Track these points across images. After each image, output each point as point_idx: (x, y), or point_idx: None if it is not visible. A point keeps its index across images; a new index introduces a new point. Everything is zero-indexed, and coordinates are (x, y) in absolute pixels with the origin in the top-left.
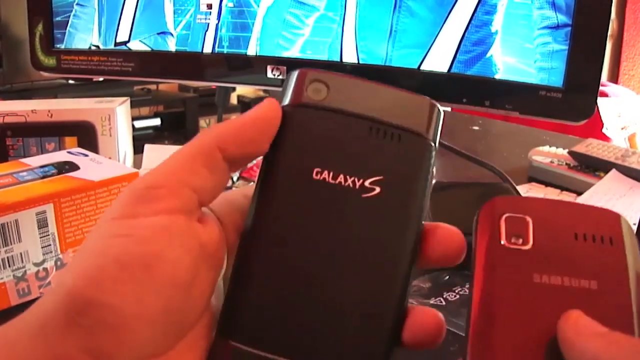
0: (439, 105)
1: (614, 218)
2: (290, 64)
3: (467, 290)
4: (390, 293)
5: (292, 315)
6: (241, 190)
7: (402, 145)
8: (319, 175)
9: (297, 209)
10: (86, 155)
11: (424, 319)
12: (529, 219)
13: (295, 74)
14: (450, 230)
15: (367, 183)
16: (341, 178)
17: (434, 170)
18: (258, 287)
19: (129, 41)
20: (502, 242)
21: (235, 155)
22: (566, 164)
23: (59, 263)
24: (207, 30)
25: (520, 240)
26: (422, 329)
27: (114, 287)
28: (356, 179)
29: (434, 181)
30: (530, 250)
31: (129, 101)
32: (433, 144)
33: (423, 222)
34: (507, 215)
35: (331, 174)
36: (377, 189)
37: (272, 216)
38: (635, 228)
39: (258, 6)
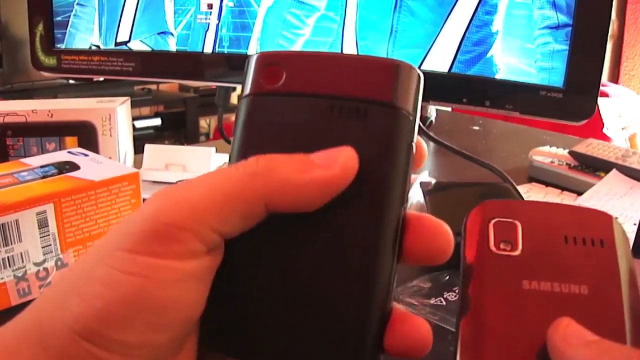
0: (416, 68)
1: (606, 219)
2: None
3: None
4: (371, 293)
5: (269, 322)
6: None
7: (369, 121)
8: None
9: None
10: (86, 155)
11: (408, 328)
12: (518, 224)
13: (249, 60)
14: (435, 223)
15: None
16: None
17: (414, 144)
18: (234, 295)
19: (129, 41)
20: (491, 249)
21: (282, 209)
22: (566, 164)
23: (59, 263)
24: (207, 30)
25: (509, 246)
26: (404, 339)
27: (120, 325)
28: None
29: (433, 181)
30: (519, 256)
31: (129, 101)
32: (408, 113)
33: (406, 208)
34: (495, 220)
35: None
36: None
37: None
38: (635, 228)
39: (258, 6)
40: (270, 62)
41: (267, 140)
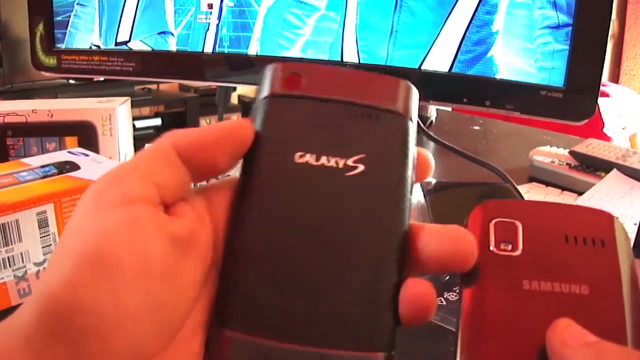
0: (413, 86)
1: (607, 219)
2: None
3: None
4: (388, 272)
5: (287, 301)
6: (227, 180)
7: (381, 124)
8: (301, 159)
9: (282, 193)
10: (87, 155)
11: (416, 293)
12: (519, 224)
13: (269, 68)
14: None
15: (350, 162)
16: (324, 159)
17: (415, 147)
18: (250, 274)
19: (129, 41)
20: (491, 249)
21: (190, 158)
22: (567, 164)
23: None
24: (207, 30)
25: (510, 246)
26: (415, 304)
27: (89, 290)
28: (339, 159)
29: (433, 181)
30: (519, 256)
31: (129, 101)
32: (411, 121)
33: (411, 202)
34: (496, 220)
35: (314, 156)
36: (361, 167)
37: (258, 202)
38: (636, 228)
39: (259, 6)
40: (292, 70)
41: (285, 135)
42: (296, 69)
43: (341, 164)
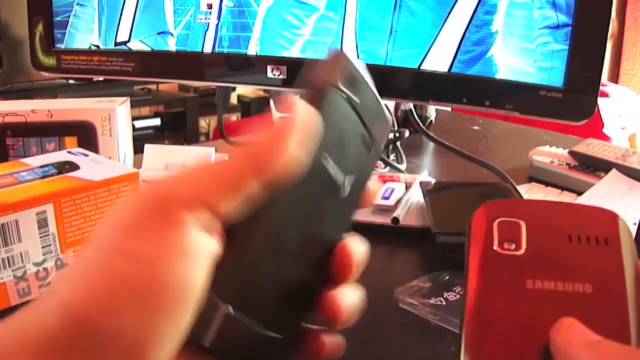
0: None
1: (610, 217)
2: (291, 63)
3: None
4: (312, 279)
5: (266, 292)
6: None
7: (371, 156)
8: (325, 161)
9: (299, 187)
10: (86, 155)
11: (331, 300)
12: (522, 223)
13: (343, 55)
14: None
15: (346, 182)
16: (337, 171)
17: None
18: (248, 258)
19: (129, 41)
20: (495, 248)
21: (275, 176)
22: (566, 163)
23: (59, 263)
24: (207, 30)
25: (513, 246)
26: (329, 310)
27: (124, 313)
28: (344, 177)
29: (433, 181)
30: (523, 255)
31: (129, 101)
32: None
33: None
34: (500, 220)
35: (332, 164)
36: (349, 189)
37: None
38: (635, 228)
39: (258, 6)
40: (351, 70)
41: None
42: (355, 72)
43: (344, 181)
